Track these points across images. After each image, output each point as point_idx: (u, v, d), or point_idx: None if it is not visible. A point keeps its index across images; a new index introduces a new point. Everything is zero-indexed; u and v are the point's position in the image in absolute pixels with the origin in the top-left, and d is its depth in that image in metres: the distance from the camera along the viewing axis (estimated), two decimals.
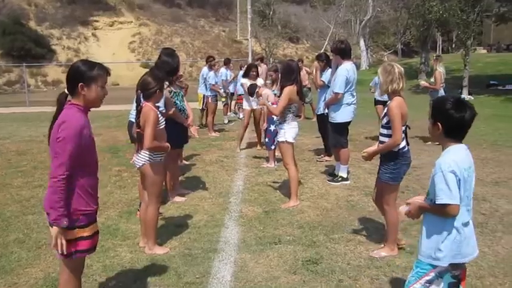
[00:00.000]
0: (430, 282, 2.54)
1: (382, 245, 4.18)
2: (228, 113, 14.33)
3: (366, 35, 40.17)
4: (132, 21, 43.96)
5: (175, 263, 3.95)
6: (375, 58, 45.03)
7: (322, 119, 7.44)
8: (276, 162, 7.48)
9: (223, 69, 12.22)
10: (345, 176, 6.47)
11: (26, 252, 4.20)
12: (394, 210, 3.98)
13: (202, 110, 11.70)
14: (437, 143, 8.88)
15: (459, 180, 2.41)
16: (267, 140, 7.60)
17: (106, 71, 2.78)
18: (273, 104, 6.13)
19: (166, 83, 5.35)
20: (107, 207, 5.55)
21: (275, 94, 6.89)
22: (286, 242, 4.39)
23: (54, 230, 2.57)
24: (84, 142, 2.63)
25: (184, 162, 7.79)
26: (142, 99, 4.07)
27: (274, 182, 6.55)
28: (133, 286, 3.59)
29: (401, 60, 37.64)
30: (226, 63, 12.84)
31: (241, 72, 10.29)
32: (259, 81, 8.82)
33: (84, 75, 2.67)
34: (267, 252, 4.16)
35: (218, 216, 5.17)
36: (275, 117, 6.35)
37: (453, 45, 49.18)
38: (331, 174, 6.74)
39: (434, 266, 2.51)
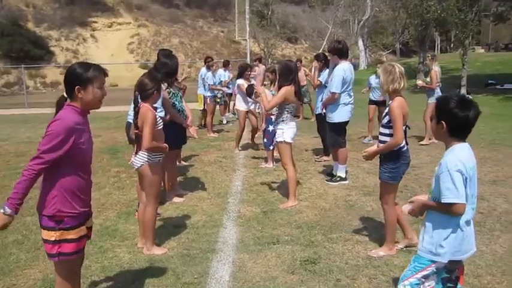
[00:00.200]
0: (426, 277, 2.55)
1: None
2: (227, 114, 14.34)
3: (364, 35, 40.25)
4: (130, 22, 43.94)
5: (173, 264, 3.96)
6: (373, 58, 44.99)
7: (321, 119, 7.45)
8: (274, 162, 7.49)
9: (221, 71, 12.21)
10: (343, 175, 6.48)
11: (24, 254, 4.20)
12: (393, 210, 4.00)
13: (203, 110, 11.71)
14: (429, 142, 8.86)
15: (465, 179, 2.43)
16: (265, 140, 7.60)
17: (102, 72, 2.77)
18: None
19: (165, 84, 5.38)
20: (105, 208, 5.56)
21: (273, 95, 6.90)
22: (284, 242, 4.40)
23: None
24: (74, 141, 2.60)
25: (183, 162, 7.80)
26: (140, 100, 4.09)
27: (272, 182, 6.55)
28: (131, 287, 3.60)
29: (400, 60, 37.66)
30: (225, 65, 12.83)
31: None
32: (239, 81, 8.81)
33: (80, 78, 2.67)
34: (265, 252, 4.17)
35: (216, 217, 5.18)
36: (272, 117, 6.37)
37: (451, 45, 49.22)
38: (330, 174, 6.75)
39: (433, 261, 2.52)
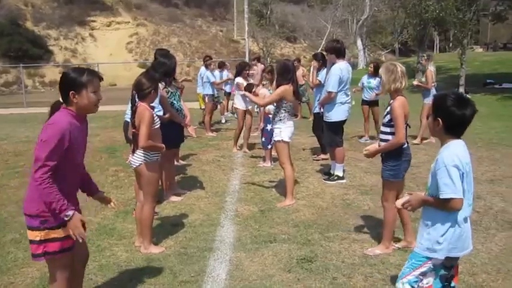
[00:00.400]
0: (424, 274, 2.56)
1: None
2: (226, 113, 14.36)
3: (363, 35, 40.24)
4: (129, 22, 43.88)
5: (170, 262, 3.98)
6: (372, 57, 45.03)
7: (318, 118, 7.47)
8: (272, 161, 7.51)
9: (216, 72, 12.20)
10: (340, 174, 6.50)
11: (22, 252, 4.21)
12: (393, 208, 4.01)
13: (204, 109, 11.74)
14: (421, 142, 8.86)
15: (462, 174, 2.45)
16: (263, 139, 7.62)
17: (97, 76, 2.77)
18: None
19: (163, 83, 5.39)
20: (103, 207, 5.50)
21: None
22: (281, 241, 4.42)
23: (70, 224, 2.62)
24: (69, 142, 2.62)
25: (181, 161, 7.81)
26: (137, 100, 4.10)
27: (270, 181, 6.57)
28: (129, 285, 3.62)
29: (399, 59, 37.67)
30: (220, 66, 12.83)
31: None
32: (238, 80, 8.83)
33: (74, 83, 2.69)
34: (262, 251, 4.19)
35: (214, 216, 5.20)
36: (270, 116, 6.39)
37: (450, 44, 49.25)
38: (327, 173, 6.77)
39: (429, 258, 2.54)
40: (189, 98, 10.40)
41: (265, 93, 7.31)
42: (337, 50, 6.34)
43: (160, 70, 5.40)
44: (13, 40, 33.39)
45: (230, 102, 14.22)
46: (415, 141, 8.95)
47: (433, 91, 8.91)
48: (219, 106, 12.60)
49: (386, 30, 46.80)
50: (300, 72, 12.38)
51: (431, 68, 9.06)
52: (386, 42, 47.82)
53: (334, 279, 3.65)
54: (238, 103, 8.77)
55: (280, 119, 5.47)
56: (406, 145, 3.97)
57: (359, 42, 38.88)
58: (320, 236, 4.55)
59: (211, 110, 11.27)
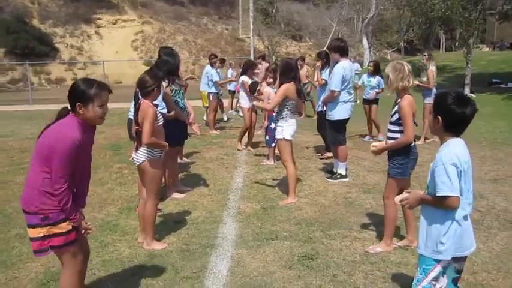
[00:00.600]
0: (436, 279, 2.55)
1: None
2: (229, 111, 14.41)
3: (368, 33, 40.07)
4: (135, 19, 44.02)
5: (173, 258, 4.02)
6: (377, 56, 44.89)
7: (322, 117, 7.48)
8: (275, 159, 7.52)
9: (218, 70, 12.21)
10: (343, 173, 6.51)
11: (26, 247, 4.25)
12: (394, 205, 4.02)
13: (207, 108, 11.78)
14: (424, 142, 8.83)
15: (460, 172, 2.45)
16: (267, 137, 7.64)
17: (106, 89, 2.81)
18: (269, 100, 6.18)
19: (166, 81, 5.43)
20: (107, 203, 5.63)
21: (276, 92, 6.94)
22: (283, 238, 4.45)
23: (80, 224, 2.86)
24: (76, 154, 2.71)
25: (185, 159, 7.85)
26: (140, 97, 4.14)
27: (273, 179, 6.60)
28: (131, 280, 3.66)
29: (405, 58, 37.53)
30: (221, 62, 12.82)
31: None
32: (243, 78, 8.84)
33: (82, 95, 2.74)
34: (263, 248, 4.22)
35: (217, 213, 5.23)
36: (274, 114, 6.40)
37: (456, 43, 49.05)
38: (330, 171, 6.78)
39: (438, 261, 2.54)
40: (193, 96, 10.44)
41: (270, 91, 7.33)
42: (341, 49, 6.35)
43: (164, 68, 5.44)
44: (19, 37, 33.63)
45: (235, 101, 14.28)
46: (419, 142, 8.93)
47: (434, 91, 8.88)
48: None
49: (392, 28, 46.64)
50: (304, 71, 12.40)
51: (432, 68, 9.02)
52: (392, 40, 47.64)
53: (335, 276, 3.67)
54: (244, 101, 8.77)
55: (283, 117, 5.49)
56: (413, 143, 4.01)
57: (364, 41, 38.74)
58: (321, 233, 4.57)
59: (215, 108, 11.30)
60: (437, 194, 2.47)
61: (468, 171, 2.52)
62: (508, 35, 48.60)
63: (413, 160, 4.04)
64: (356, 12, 42.05)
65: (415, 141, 4.04)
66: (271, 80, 7.37)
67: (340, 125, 6.51)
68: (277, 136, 5.57)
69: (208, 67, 11.45)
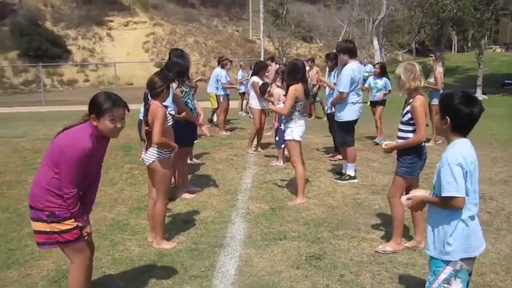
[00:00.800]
0: (447, 281, 2.54)
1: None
2: (240, 112, 14.48)
3: (379, 34, 39.83)
4: (146, 21, 44.36)
5: (181, 257, 4.07)
6: (389, 57, 44.62)
7: (332, 118, 7.49)
8: (285, 161, 7.55)
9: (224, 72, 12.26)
10: (352, 174, 6.52)
11: None
12: (400, 204, 4.02)
13: (215, 109, 11.86)
14: (435, 143, 8.75)
15: (466, 173, 2.45)
16: (277, 138, 7.67)
17: (120, 106, 2.89)
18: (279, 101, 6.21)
19: (176, 82, 5.50)
20: (117, 203, 5.70)
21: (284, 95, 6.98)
22: (291, 238, 4.48)
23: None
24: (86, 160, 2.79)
25: (195, 160, 7.90)
26: (150, 98, 4.21)
27: (282, 180, 6.63)
28: (141, 278, 3.71)
29: (416, 59, 37.34)
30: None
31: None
32: (254, 79, 8.86)
33: (95, 107, 2.84)
34: (271, 248, 4.25)
35: (225, 213, 5.27)
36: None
37: (468, 44, 48.60)
38: (339, 172, 6.79)
39: (446, 262, 2.53)
40: (202, 98, 10.50)
41: (280, 92, 7.38)
42: (350, 50, 6.36)
43: (174, 70, 5.51)
44: (33, 40, 34.08)
45: (244, 102, 14.33)
46: (429, 144, 8.88)
47: (442, 92, 8.83)
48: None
49: (403, 29, 46.32)
50: (313, 72, 12.41)
51: (439, 69, 8.97)
52: (404, 42, 47.37)
53: (342, 276, 3.69)
54: (254, 103, 8.75)
55: (292, 119, 5.52)
56: (422, 143, 4.03)
57: (375, 42, 38.53)
58: (329, 234, 4.59)
59: (225, 110, 11.35)
60: (443, 195, 2.48)
61: (474, 172, 2.52)
62: None
63: (423, 160, 4.08)
64: (367, 13, 41.87)
65: (425, 142, 4.05)
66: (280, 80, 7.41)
67: (349, 126, 6.52)
68: (287, 137, 5.60)
69: (218, 69, 11.51)
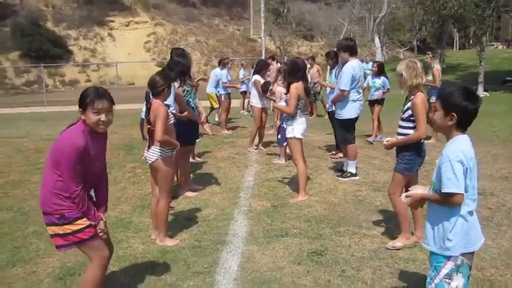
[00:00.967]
0: (449, 276, 2.55)
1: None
2: (241, 111, 14.52)
3: (380, 32, 39.85)
4: (147, 21, 44.43)
5: (184, 254, 4.12)
6: (390, 55, 44.61)
7: (333, 116, 7.52)
8: (286, 159, 7.58)
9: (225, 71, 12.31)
10: (353, 171, 6.55)
11: (43, 244, 4.39)
12: (400, 200, 4.06)
13: (211, 108, 11.91)
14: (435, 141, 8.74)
15: (466, 169, 2.48)
16: (279, 136, 7.70)
17: (103, 98, 2.88)
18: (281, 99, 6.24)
19: (178, 82, 5.54)
20: (121, 201, 5.75)
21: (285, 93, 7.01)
22: (292, 235, 4.52)
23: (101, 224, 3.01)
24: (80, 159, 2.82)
25: (197, 159, 7.94)
26: (151, 97, 4.26)
27: (283, 178, 6.66)
28: (144, 275, 3.76)
29: (417, 57, 37.30)
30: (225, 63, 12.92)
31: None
32: (256, 77, 8.88)
33: (81, 101, 2.88)
34: (273, 244, 4.29)
35: (228, 210, 5.32)
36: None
37: (470, 41, 48.52)
38: (340, 170, 6.82)
39: (447, 257, 2.55)
40: (204, 97, 10.56)
41: (282, 91, 7.40)
42: (350, 48, 6.39)
43: (176, 69, 5.55)
44: (34, 40, 34.18)
45: (246, 101, 14.37)
46: (430, 141, 8.91)
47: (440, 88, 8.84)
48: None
49: (404, 27, 46.30)
50: (314, 70, 12.44)
51: (437, 66, 8.99)
52: (405, 39, 47.32)
53: (343, 271, 3.73)
54: (255, 101, 8.77)
55: (293, 116, 5.56)
56: (421, 140, 4.07)
57: (377, 40, 38.54)
58: (331, 230, 4.63)
59: (227, 109, 11.39)
60: (443, 191, 2.50)
61: (474, 168, 2.54)
62: None
63: (422, 157, 4.12)
64: (368, 11, 41.90)
65: (425, 139, 4.09)
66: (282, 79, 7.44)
67: (350, 124, 6.55)
68: (288, 135, 5.64)
69: (217, 70, 11.55)
